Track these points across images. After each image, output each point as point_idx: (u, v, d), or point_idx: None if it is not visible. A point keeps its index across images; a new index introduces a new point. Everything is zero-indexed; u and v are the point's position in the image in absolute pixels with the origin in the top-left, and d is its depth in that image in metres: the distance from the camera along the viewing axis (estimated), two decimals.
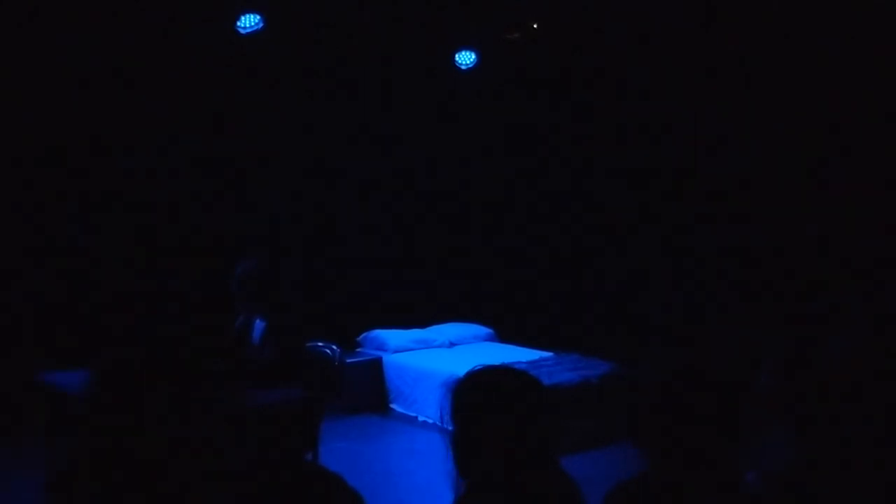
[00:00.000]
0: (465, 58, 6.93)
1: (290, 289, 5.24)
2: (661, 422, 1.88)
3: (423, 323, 7.20)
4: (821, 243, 5.56)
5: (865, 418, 2.01)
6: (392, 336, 6.82)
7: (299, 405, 3.51)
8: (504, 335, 7.44)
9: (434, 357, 6.54)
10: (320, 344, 4.09)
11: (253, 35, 6.00)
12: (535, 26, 6.60)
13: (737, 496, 1.86)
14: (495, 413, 1.83)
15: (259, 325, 3.97)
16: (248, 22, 5.98)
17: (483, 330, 7.40)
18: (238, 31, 5.98)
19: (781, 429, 2.07)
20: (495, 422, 1.82)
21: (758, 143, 5.98)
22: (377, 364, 6.67)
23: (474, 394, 1.88)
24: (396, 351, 6.70)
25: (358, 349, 6.90)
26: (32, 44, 5.64)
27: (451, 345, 7.01)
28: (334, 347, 4.10)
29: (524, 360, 6.12)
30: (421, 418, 6.23)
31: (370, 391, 6.53)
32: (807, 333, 5.00)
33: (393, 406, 6.52)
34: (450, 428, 5.59)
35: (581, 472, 2.19)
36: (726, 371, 1.91)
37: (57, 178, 5.89)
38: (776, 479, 1.97)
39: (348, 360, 5.29)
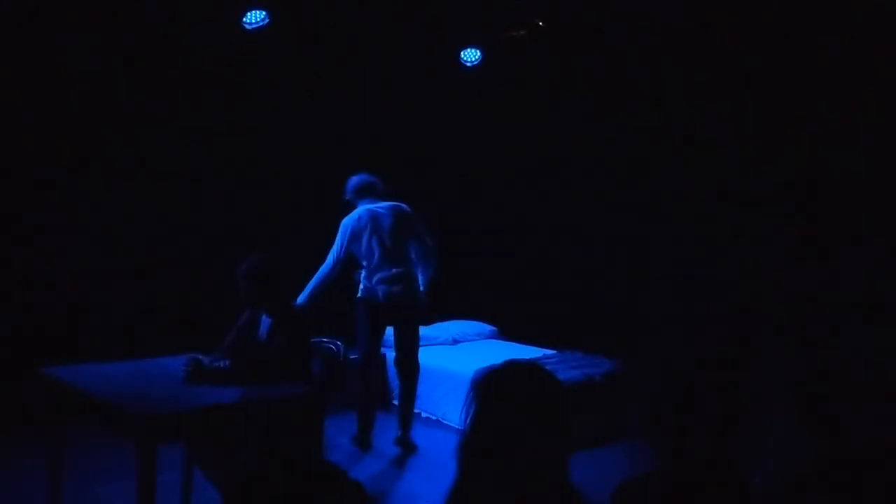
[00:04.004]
0: (471, 55, 6.94)
1: (295, 285, 5.25)
2: (666, 420, 1.88)
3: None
4: (828, 242, 5.56)
5: (874, 417, 2.02)
6: None
7: (303, 401, 3.51)
8: (507, 333, 7.45)
9: (437, 354, 6.54)
10: (324, 340, 4.10)
11: (258, 31, 6.02)
12: (540, 24, 6.59)
13: (743, 495, 1.86)
14: (515, 411, 1.79)
15: (265, 320, 3.97)
16: (254, 18, 5.99)
17: (486, 328, 7.41)
18: (244, 27, 6.00)
19: (789, 428, 2.07)
20: (513, 420, 1.79)
21: (760, 143, 5.98)
22: (380, 360, 6.66)
23: (499, 388, 1.84)
24: None
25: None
26: (32, 39, 5.65)
27: (455, 342, 7.02)
28: (338, 343, 4.11)
29: (527, 357, 6.12)
30: (424, 415, 6.24)
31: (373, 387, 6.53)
32: (814, 333, 5.00)
33: (395, 402, 6.53)
34: (453, 424, 5.61)
35: (585, 470, 2.20)
36: (732, 369, 1.91)
37: (58, 175, 5.91)
38: (784, 479, 1.97)
39: (352, 357, 5.30)
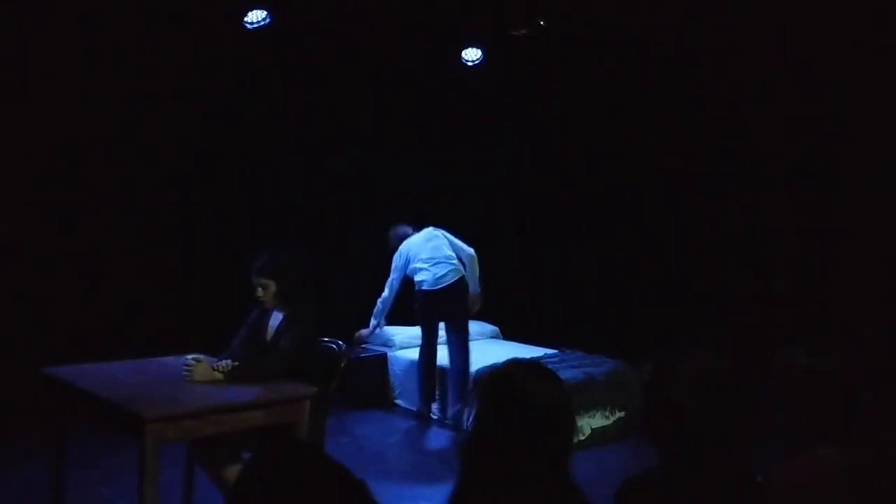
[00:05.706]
0: (472, 54, 6.93)
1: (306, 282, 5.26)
2: (668, 419, 1.87)
3: None
4: (831, 242, 5.55)
5: (877, 416, 2.01)
6: (398, 332, 6.83)
7: (306, 401, 3.51)
8: (509, 333, 7.44)
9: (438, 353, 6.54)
10: (326, 339, 4.09)
11: (260, 30, 6.01)
12: (541, 23, 6.58)
13: (746, 494, 1.86)
14: (517, 410, 1.79)
15: (276, 316, 3.96)
16: (255, 18, 5.99)
17: (488, 327, 7.40)
18: (245, 26, 6.00)
19: (792, 427, 2.06)
20: (515, 419, 1.78)
21: (762, 143, 5.98)
22: (382, 360, 6.67)
23: (500, 388, 1.84)
24: (402, 347, 6.71)
25: (363, 345, 6.92)
26: (36, 39, 5.65)
27: None
28: (340, 343, 4.10)
29: (529, 357, 6.10)
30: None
31: (375, 387, 6.54)
32: (815, 331, 5.00)
33: (398, 401, 6.53)
34: (453, 423, 5.59)
35: (586, 468, 2.20)
36: (734, 369, 1.91)
37: (60, 173, 5.91)
38: (786, 479, 1.97)
39: (351, 357, 5.30)
